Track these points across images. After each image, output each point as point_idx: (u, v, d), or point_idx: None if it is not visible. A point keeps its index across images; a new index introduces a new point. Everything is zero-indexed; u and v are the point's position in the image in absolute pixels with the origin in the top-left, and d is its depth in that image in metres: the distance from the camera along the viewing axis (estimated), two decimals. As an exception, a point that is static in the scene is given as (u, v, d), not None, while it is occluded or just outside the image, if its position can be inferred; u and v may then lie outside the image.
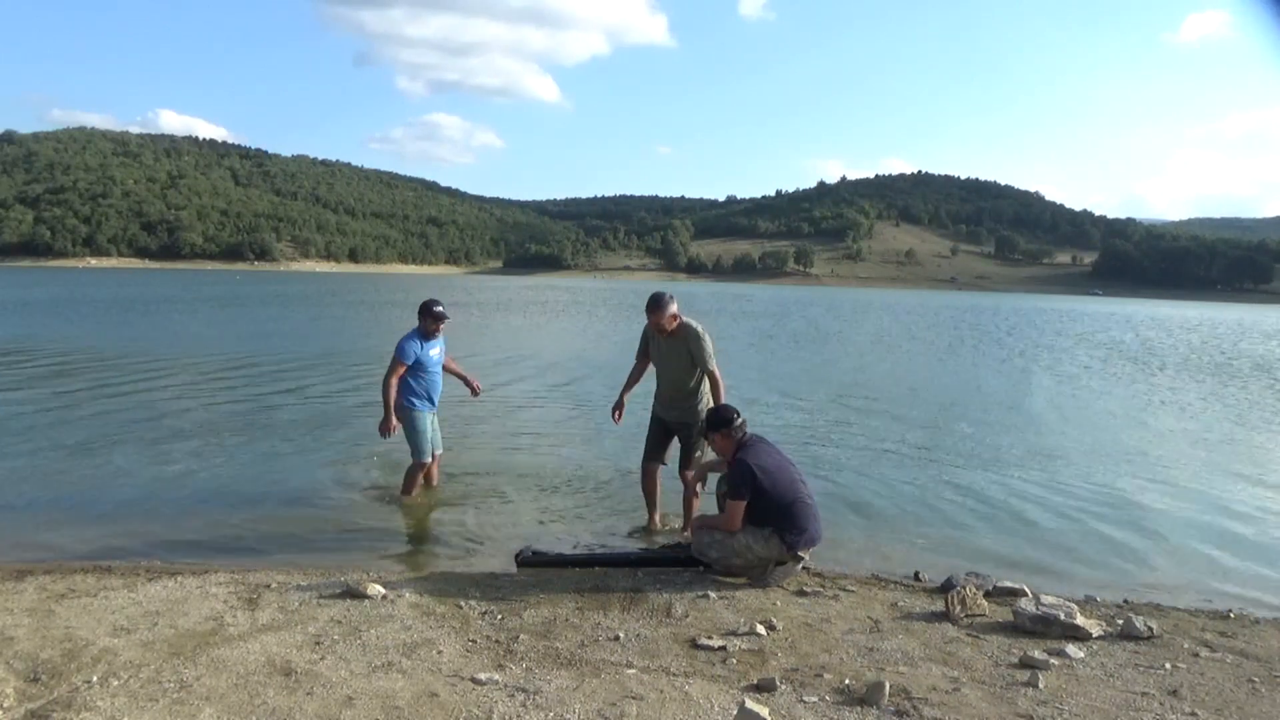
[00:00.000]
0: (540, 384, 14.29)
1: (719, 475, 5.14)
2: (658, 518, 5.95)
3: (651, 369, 5.89)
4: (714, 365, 5.58)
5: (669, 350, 5.66)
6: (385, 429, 6.23)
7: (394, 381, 6.19)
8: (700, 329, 5.59)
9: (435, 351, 6.42)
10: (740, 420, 4.96)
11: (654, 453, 5.87)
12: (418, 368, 6.29)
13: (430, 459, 6.51)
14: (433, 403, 6.47)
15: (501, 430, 9.84)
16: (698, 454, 5.63)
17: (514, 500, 6.74)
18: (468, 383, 6.69)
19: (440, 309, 6.36)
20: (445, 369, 6.63)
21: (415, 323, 6.40)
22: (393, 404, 6.19)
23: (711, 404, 5.58)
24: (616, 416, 6.00)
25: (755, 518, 4.74)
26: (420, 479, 6.54)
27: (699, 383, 5.64)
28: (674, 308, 5.56)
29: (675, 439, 5.81)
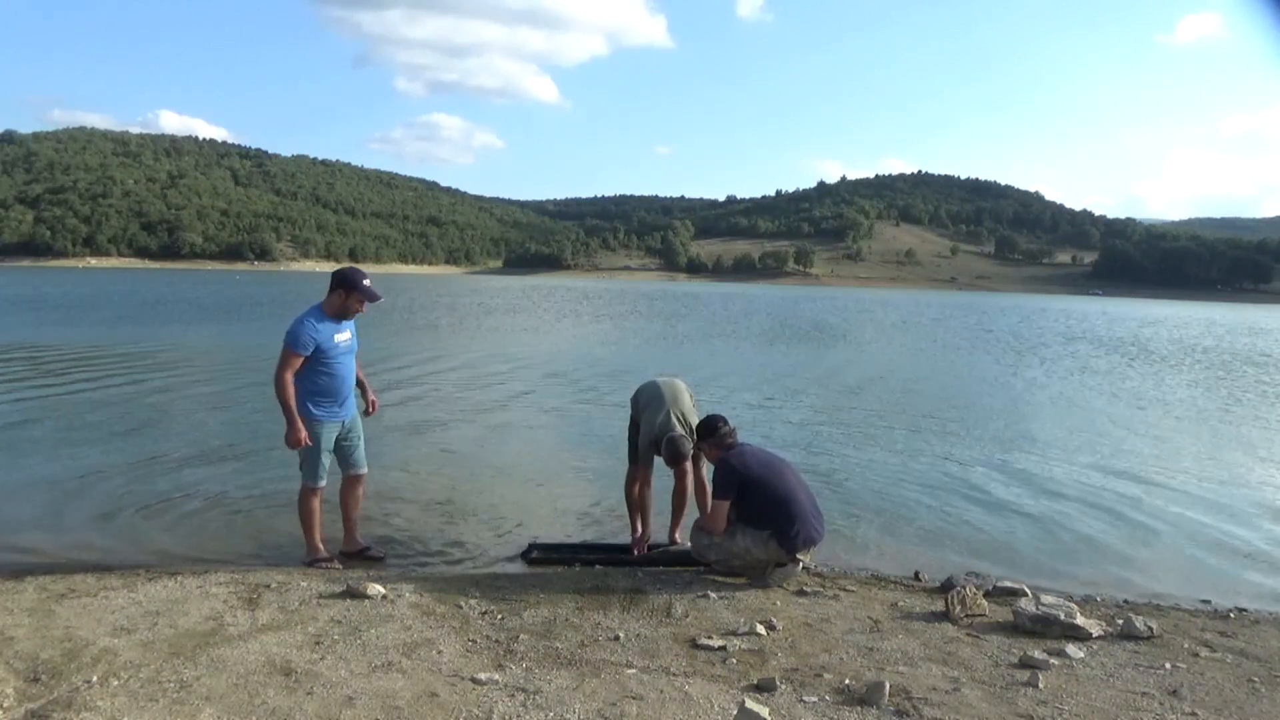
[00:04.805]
0: (541, 382, 14.29)
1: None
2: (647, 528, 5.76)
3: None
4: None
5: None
6: (292, 439, 4.79)
7: (288, 377, 4.76)
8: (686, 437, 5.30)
9: (344, 337, 4.95)
10: (726, 429, 5.01)
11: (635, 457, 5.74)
12: (317, 359, 4.82)
13: (322, 483, 4.99)
14: (341, 406, 5.00)
15: (501, 428, 9.83)
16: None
17: (514, 499, 6.74)
18: (364, 396, 5.27)
19: (370, 284, 4.94)
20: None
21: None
22: (293, 406, 4.77)
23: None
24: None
25: (752, 520, 4.76)
26: (317, 509, 5.02)
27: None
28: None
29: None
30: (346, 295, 4.91)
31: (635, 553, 5.29)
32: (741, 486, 4.77)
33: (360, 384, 5.22)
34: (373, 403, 5.30)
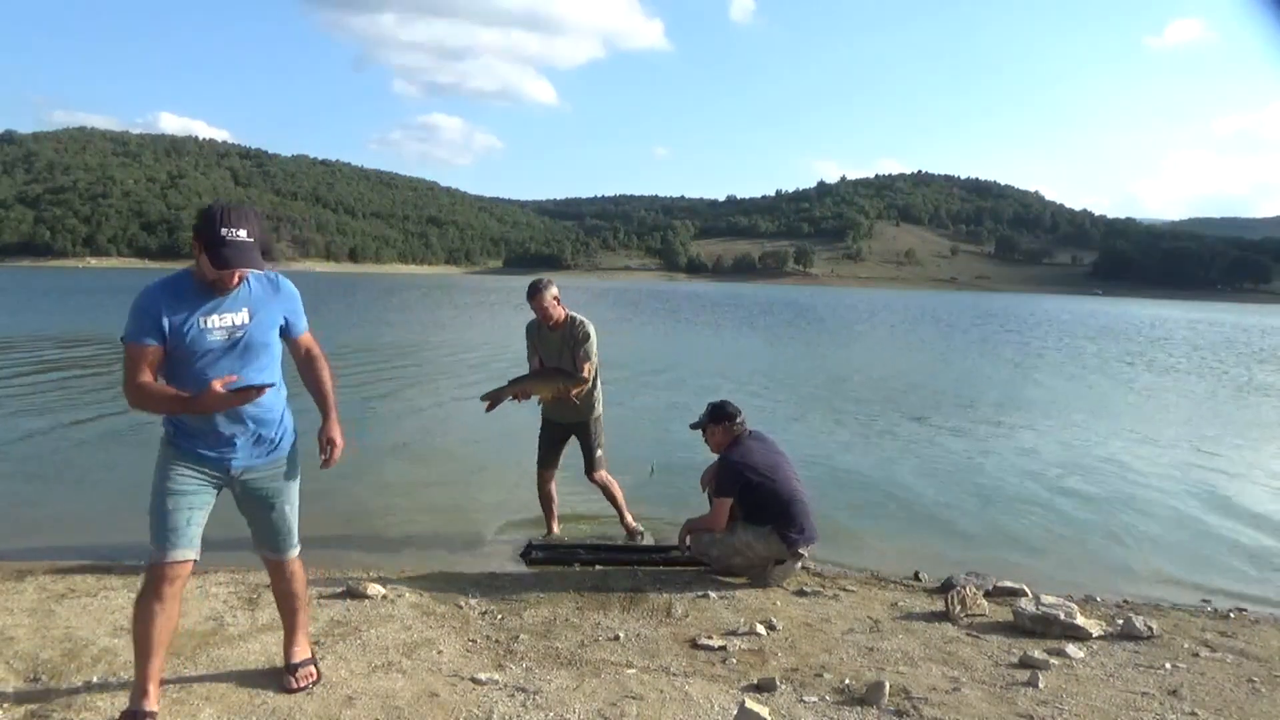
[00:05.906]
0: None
1: (707, 468, 5.14)
2: (556, 526, 5.74)
3: None
4: (593, 363, 5.30)
5: (555, 345, 5.35)
6: (207, 396, 2.71)
7: (142, 383, 2.75)
8: (587, 324, 5.31)
9: (222, 321, 2.83)
10: (741, 419, 4.96)
11: (548, 460, 5.61)
12: (171, 358, 2.80)
13: (173, 555, 2.87)
14: (216, 437, 2.93)
15: (502, 426, 9.81)
16: (599, 452, 5.50)
17: (514, 499, 6.73)
18: (321, 433, 3.17)
19: (233, 233, 2.69)
20: (309, 378, 3.20)
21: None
22: (172, 391, 2.77)
23: (600, 399, 5.49)
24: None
25: (753, 515, 4.76)
26: (159, 588, 2.84)
27: (592, 380, 5.39)
28: (554, 291, 5.29)
29: (572, 440, 5.59)
30: (202, 249, 2.74)
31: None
32: (744, 487, 4.76)
33: (324, 411, 3.17)
34: (331, 442, 3.14)
